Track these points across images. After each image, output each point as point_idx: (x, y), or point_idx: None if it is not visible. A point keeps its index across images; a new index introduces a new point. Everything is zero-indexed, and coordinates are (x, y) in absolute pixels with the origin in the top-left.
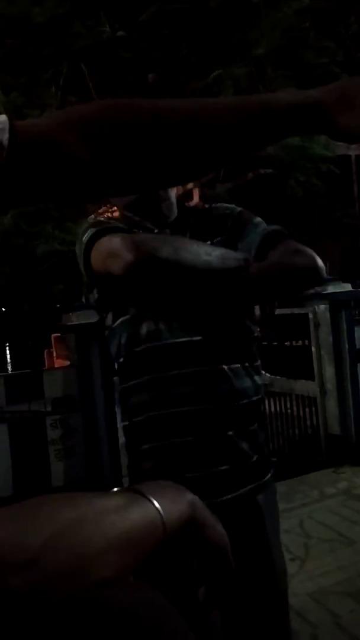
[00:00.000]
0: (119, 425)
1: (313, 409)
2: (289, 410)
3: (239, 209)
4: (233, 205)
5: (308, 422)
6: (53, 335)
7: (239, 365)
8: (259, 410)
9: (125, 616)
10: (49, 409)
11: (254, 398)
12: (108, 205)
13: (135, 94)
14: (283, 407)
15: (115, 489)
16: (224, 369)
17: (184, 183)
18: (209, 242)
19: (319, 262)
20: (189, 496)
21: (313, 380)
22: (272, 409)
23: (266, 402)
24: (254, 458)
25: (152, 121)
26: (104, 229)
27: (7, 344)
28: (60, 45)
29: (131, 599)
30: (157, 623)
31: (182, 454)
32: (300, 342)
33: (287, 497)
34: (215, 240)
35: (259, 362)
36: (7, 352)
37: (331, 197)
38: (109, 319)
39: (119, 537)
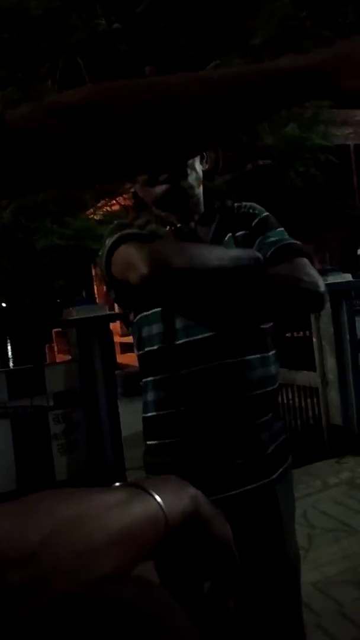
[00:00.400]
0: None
1: (315, 399)
2: (290, 401)
3: (266, 212)
4: (261, 208)
5: (310, 413)
6: (54, 330)
7: (251, 356)
8: (274, 400)
9: (127, 611)
10: (51, 403)
11: (269, 388)
12: (108, 198)
13: None
14: (285, 398)
15: (117, 484)
16: (236, 362)
17: (189, 158)
18: (230, 234)
19: (322, 287)
20: (192, 490)
21: (314, 371)
22: None
23: None
24: (271, 449)
25: (149, 101)
26: (123, 236)
27: (9, 339)
28: (56, 39)
29: (133, 594)
30: (159, 618)
31: (198, 450)
32: (301, 333)
33: None
34: (237, 234)
35: (273, 352)
36: (9, 347)
37: (330, 188)
38: (131, 315)
39: (120, 532)
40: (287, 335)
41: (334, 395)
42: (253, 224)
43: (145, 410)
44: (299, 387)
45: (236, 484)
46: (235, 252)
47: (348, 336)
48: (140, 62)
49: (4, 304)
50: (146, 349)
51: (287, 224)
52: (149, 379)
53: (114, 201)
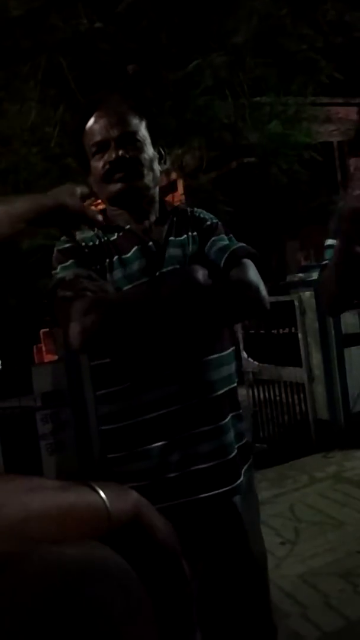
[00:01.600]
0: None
1: (301, 395)
2: (277, 397)
3: (216, 219)
4: (212, 215)
5: (297, 409)
6: (42, 331)
7: (209, 357)
8: (234, 399)
9: (68, 564)
10: (39, 403)
11: (230, 387)
12: (93, 198)
13: (114, 86)
14: (272, 394)
15: (65, 480)
16: (193, 364)
17: None
18: (187, 235)
19: (263, 294)
20: (135, 495)
21: (301, 366)
22: (261, 396)
23: (255, 389)
24: (234, 449)
25: None
26: (59, 282)
27: None
28: (37, 39)
29: (80, 553)
30: (102, 569)
31: (158, 458)
32: (287, 330)
33: (277, 482)
34: (190, 234)
35: (229, 351)
36: None
37: (314, 185)
38: None
39: (54, 509)
40: (273, 331)
41: (320, 390)
42: (204, 226)
43: (105, 423)
44: (286, 383)
45: (200, 489)
46: (167, 282)
47: (333, 332)
48: (123, 61)
49: None
50: (97, 362)
51: (272, 220)
52: (105, 391)
53: (99, 201)
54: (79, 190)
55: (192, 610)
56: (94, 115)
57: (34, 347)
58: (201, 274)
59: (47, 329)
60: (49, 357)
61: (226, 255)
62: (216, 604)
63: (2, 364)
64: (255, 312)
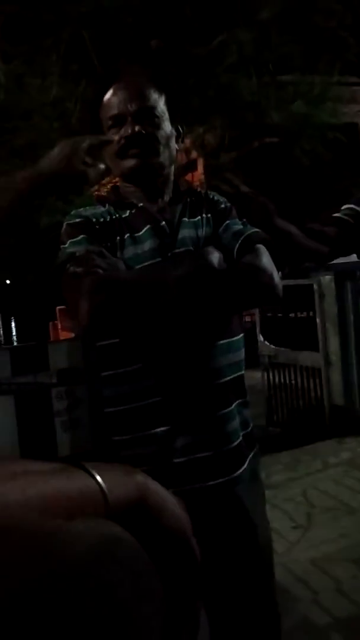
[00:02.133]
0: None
1: (317, 380)
2: (293, 382)
3: (229, 203)
4: (225, 199)
5: (312, 393)
6: (58, 308)
7: (217, 343)
8: (241, 386)
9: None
10: (54, 380)
11: (237, 374)
12: (111, 177)
13: (137, 60)
14: (287, 378)
15: (61, 461)
16: (201, 349)
17: None
18: (200, 216)
19: (276, 280)
20: (139, 478)
21: (317, 351)
22: (277, 380)
23: (270, 373)
24: (239, 436)
25: None
26: (69, 257)
27: (12, 317)
28: (60, 12)
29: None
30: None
31: (161, 443)
32: (304, 314)
33: (290, 467)
34: (204, 216)
35: (239, 337)
36: (13, 324)
37: (338, 166)
38: None
39: (37, 496)
40: (290, 315)
41: (336, 375)
42: (218, 209)
43: (110, 405)
44: (302, 367)
45: (204, 477)
46: (181, 263)
47: (352, 317)
48: (146, 36)
49: (7, 281)
50: (108, 340)
51: (293, 202)
52: (111, 372)
53: (118, 178)
54: (86, 143)
55: (199, 594)
56: (112, 87)
57: (50, 323)
58: (216, 257)
59: (63, 306)
60: (64, 334)
61: (240, 240)
62: (217, 592)
63: (17, 339)
64: (267, 299)
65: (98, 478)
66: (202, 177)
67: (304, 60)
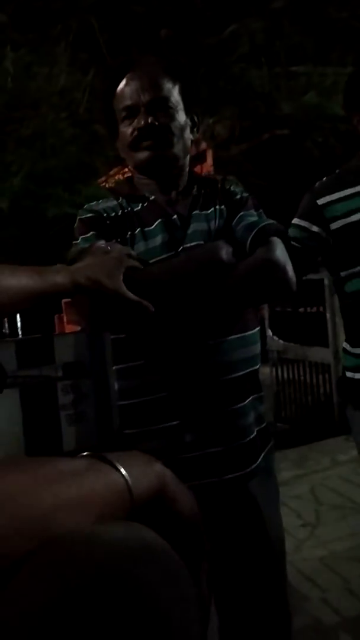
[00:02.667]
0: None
1: (326, 376)
2: (302, 377)
3: (247, 193)
4: (242, 188)
5: (321, 390)
6: (63, 301)
7: (229, 337)
8: (255, 381)
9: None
10: (60, 374)
11: (250, 369)
12: (120, 166)
13: (147, 50)
14: (296, 374)
15: (85, 454)
16: (215, 343)
17: None
18: (214, 208)
19: (290, 274)
20: (158, 467)
21: (327, 347)
22: (285, 375)
23: (279, 368)
24: (253, 431)
25: None
26: (79, 254)
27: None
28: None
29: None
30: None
31: (173, 437)
32: (314, 309)
33: (299, 463)
34: (217, 207)
35: (253, 331)
36: (18, 317)
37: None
38: None
39: (74, 499)
40: (300, 310)
41: None
42: (233, 200)
43: (122, 398)
44: (311, 363)
45: (215, 472)
46: (190, 259)
47: None
48: (157, 25)
49: None
50: (115, 338)
51: (303, 195)
52: (124, 365)
53: (127, 169)
54: (125, 263)
55: (210, 586)
56: (126, 77)
57: (56, 316)
58: (225, 251)
59: (69, 299)
60: (70, 327)
61: (254, 232)
62: (228, 588)
63: (22, 332)
64: (280, 294)
65: (124, 472)
66: (212, 168)
67: (316, 50)
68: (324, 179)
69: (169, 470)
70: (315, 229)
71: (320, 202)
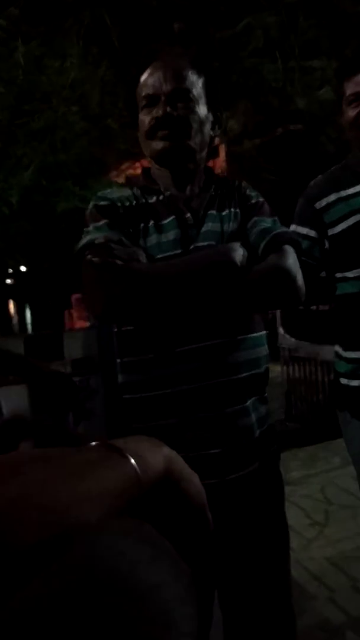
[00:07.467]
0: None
1: None
2: (313, 376)
3: (262, 198)
4: (258, 193)
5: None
6: (73, 296)
7: (235, 338)
8: (261, 383)
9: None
10: (69, 370)
11: (255, 371)
12: (132, 161)
13: (160, 44)
14: (307, 372)
15: (93, 444)
16: (221, 342)
17: None
18: (229, 210)
19: (299, 284)
20: (165, 450)
21: None
22: (296, 374)
23: (290, 366)
24: (255, 433)
25: None
26: (88, 244)
27: (27, 304)
28: None
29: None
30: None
31: (173, 435)
32: (326, 307)
33: (309, 463)
34: (232, 210)
35: (261, 333)
36: (27, 312)
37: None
38: None
39: (88, 492)
40: (312, 308)
41: None
42: (248, 204)
43: (125, 391)
44: (323, 362)
45: (219, 472)
46: (202, 259)
47: None
48: (169, 19)
49: (23, 268)
50: (121, 330)
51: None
52: (128, 359)
53: (137, 164)
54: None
55: (214, 570)
56: (151, 66)
57: (65, 312)
58: (239, 254)
59: (79, 295)
60: (79, 323)
61: (268, 238)
62: (232, 588)
63: (32, 327)
64: (288, 302)
65: (133, 462)
66: (224, 164)
67: (331, 45)
68: (319, 177)
69: (174, 452)
70: (313, 234)
71: (318, 205)
